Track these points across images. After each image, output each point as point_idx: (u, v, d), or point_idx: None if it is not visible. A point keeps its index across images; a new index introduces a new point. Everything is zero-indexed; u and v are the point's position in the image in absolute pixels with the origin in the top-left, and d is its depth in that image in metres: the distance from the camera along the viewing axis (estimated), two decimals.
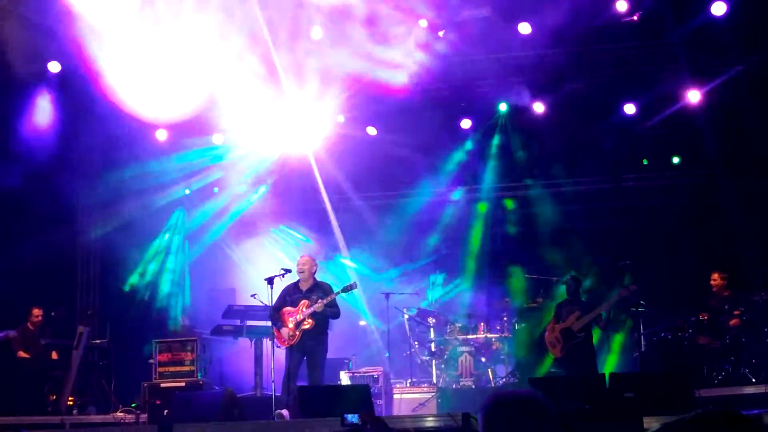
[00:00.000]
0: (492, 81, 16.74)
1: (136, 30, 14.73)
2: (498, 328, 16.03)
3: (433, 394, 14.31)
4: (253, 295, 14.61)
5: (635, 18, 14.73)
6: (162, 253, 17.99)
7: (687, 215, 16.84)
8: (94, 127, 16.60)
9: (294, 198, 18.23)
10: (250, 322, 16.09)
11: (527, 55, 16.08)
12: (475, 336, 15.80)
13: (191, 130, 16.94)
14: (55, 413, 14.73)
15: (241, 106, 16.26)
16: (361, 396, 12.11)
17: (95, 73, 14.72)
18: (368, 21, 14.99)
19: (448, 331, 15.99)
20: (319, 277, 13.88)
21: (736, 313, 14.09)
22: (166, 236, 17.99)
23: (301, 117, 16.72)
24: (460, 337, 15.72)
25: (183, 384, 14.64)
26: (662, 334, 14.75)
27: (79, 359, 15.62)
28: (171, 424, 11.56)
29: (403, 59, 15.46)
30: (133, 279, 17.52)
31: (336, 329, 14.40)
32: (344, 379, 15.15)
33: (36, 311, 15.77)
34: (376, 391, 14.43)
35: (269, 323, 13.84)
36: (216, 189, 17.97)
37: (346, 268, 17.74)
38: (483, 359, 15.49)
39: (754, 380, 13.39)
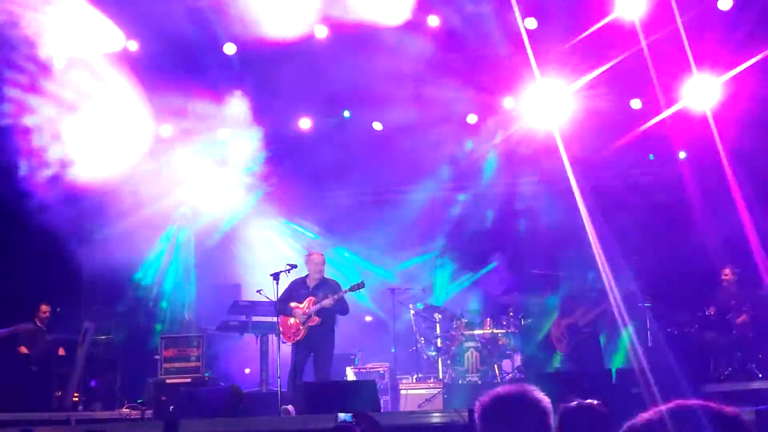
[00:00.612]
0: (496, 76, 16.48)
1: None
2: (504, 323, 15.95)
3: (439, 389, 14.29)
4: (258, 291, 14.55)
5: None
6: (168, 248, 17.96)
7: (693, 210, 16.76)
8: None
9: (298, 192, 18.11)
10: (255, 318, 16.07)
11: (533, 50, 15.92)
12: (481, 331, 15.74)
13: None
14: (61, 409, 14.73)
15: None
16: (367, 392, 12.26)
17: None
18: None
19: (454, 326, 15.96)
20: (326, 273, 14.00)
21: (743, 308, 14.09)
22: (172, 231, 17.96)
23: None
24: (467, 333, 15.66)
25: (189, 380, 14.64)
26: (668, 330, 14.74)
27: (84, 355, 15.60)
28: (177, 420, 11.58)
29: None
30: (139, 274, 17.46)
31: (341, 325, 14.36)
32: (350, 374, 15.24)
33: (44, 307, 15.84)
34: (382, 386, 14.47)
35: (275, 319, 13.94)
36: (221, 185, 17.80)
37: (352, 262, 17.76)
38: (489, 355, 15.42)
39: (760, 375, 13.41)
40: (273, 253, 17.21)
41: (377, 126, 17.21)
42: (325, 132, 17.43)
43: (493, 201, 18.36)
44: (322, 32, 15.43)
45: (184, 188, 17.42)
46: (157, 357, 15.22)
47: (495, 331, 15.82)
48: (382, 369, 15.30)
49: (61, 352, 15.83)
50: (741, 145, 15.65)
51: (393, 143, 16.64)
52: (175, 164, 17.06)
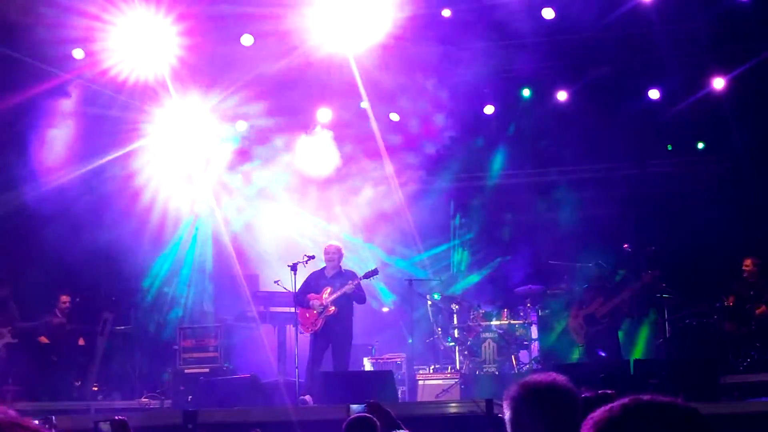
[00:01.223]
0: (515, 67, 16.62)
1: None
2: (521, 314, 15.89)
3: (456, 380, 14.20)
4: (276, 282, 14.49)
5: None
6: (186, 238, 17.97)
7: (711, 201, 16.74)
8: None
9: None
10: (273, 309, 16.02)
11: (551, 41, 15.96)
12: (498, 322, 15.68)
13: None
14: (80, 399, 14.79)
15: None
16: (384, 382, 12.36)
17: None
18: None
19: (471, 317, 15.88)
20: (343, 263, 14.02)
21: (763, 299, 13.96)
22: (191, 222, 17.98)
23: None
24: (484, 324, 15.60)
25: (207, 370, 14.69)
26: (687, 321, 14.69)
27: (103, 345, 15.79)
28: (195, 409, 11.64)
29: None
30: (157, 266, 17.51)
31: (359, 316, 14.36)
32: (367, 365, 15.23)
33: (64, 298, 15.86)
34: (399, 377, 14.43)
35: (293, 309, 13.93)
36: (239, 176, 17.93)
37: (369, 252, 17.61)
38: (507, 346, 15.38)
39: None
40: (291, 244, 17.11)
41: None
42: None
43: (510, 192, 18.36)
44: None
45: (203, 180, 17.51)
46: (176, 347, 15.25)
47: (512, 321, 15.75)
48: (399, 359, 15.26)
49: (81, 342, 15.87)
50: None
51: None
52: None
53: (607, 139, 17.08)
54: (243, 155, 17.72)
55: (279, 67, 15.74)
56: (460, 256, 18.16)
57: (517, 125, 17.58)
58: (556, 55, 16.26)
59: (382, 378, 12.74)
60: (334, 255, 13.85)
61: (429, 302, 16.32)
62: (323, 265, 14.03)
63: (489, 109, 17.54)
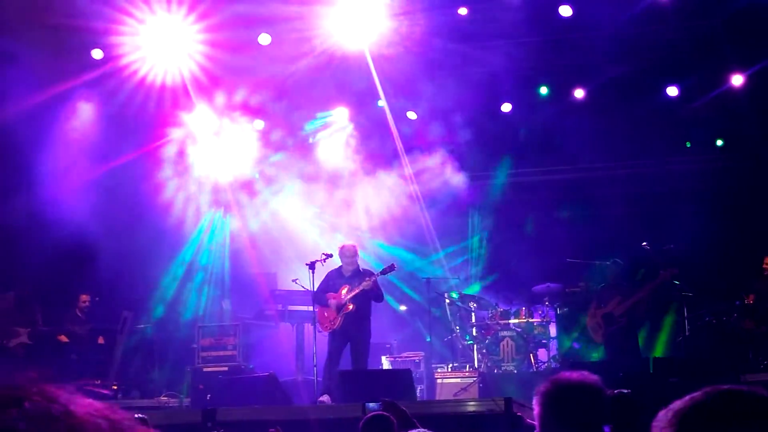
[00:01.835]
0: (532, 65, 16.64)
1: None
2: (540, 312, 15.91)
3: (474, 378, 14.11)
4: (294, 280, 14.61)
5: None
6: (205, 237, 18.06)
7: (731, 198, 16.68)
8: None
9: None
10: (292, 307, 16.06)
11: (568, 39, 15.95)
12: (517, 321, 15.67)
13: None
14: (100, 397, 14.72)
15: None
16: (403, 380, 12.32)
17: None
18: None
19: (489, 315, 15.93)
20: (360, 262, 14.00)
21: None
22: (210, 221, 18.08)
23: None
24: (502, 322, 15.60)
25: (226, 368, 14.70)
26: (707, 319, 14.64)
27: (123, 344, 15.79)
28: (214, 408, 11.65)
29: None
30: (177, 264, 17.59)
31: (377, 315, 14.33)
32: (385, 363, 15.18)
33: (84, 297, 15.88)
34: (417, 375, 14.37)
35: (311, 308, 13.89)
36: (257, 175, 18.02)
37: (386, 251, 17.57)
38: (525, 344, 15.37)
39: None
40: (309, 242, 17.22)
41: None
42: None
43: (527, 190, 18.38)
44: None
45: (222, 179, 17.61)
46: (195, 346, 15.27)
47: (530, 320, 15.75)
48: (417, 358, 15.21)
49: (101, 340, 15.83)
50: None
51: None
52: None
53: (625, 136, 17.06)
54: (262, 154, 17.73)
55: (297, 66, 15.82)
56: (478, 255, 18.15)
57: (535, 123, 17.54)
58: (573, 52, 16.20)
59: (401, 376, 12.72)
60: (352, 255, 13.79)
61: (447, 301, 16.28)
62: (341, 264, 13.99)
63: (506, 107, 17.53)
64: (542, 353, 15.80)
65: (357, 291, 13.33)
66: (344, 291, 13.47)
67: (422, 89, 16.38)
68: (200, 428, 11.12)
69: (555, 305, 16.15)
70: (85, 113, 16.32)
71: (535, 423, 4.38)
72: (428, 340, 16.04)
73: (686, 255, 14.95)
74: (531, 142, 17.78)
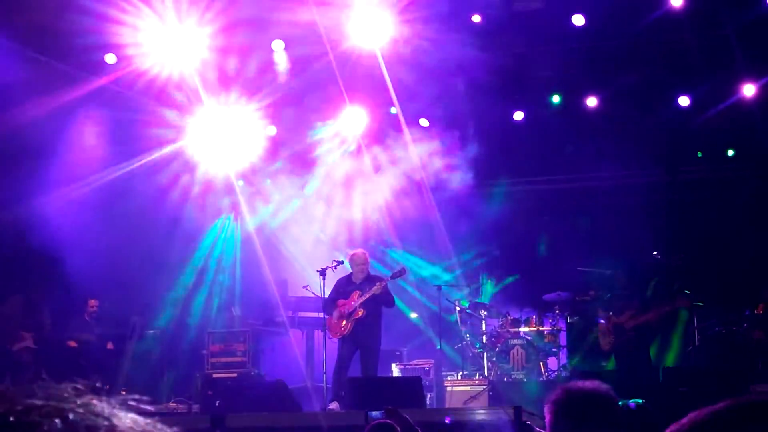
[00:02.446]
0: (545, 73, 16.62)
1: None
2: (550, 321, 15.91)
3: (485, 386, 14.11)
4: (305, 287, 14.66)
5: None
6: (216, 242, 18.15)
7: (742, 208, 16.64)
8: None
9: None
10: (302, 314, 16.13)
11: (581, 47, 15.89)
12: (527, 329, 15.68)
13: None
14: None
15: None
16: (412, 388, 12.29)
17: None
18: None
19: (500, 323, 15.94)
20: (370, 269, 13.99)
21: None
22: (221, 226, 18.20)
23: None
24: (512, 330, 15.62)
25: (235, 375, 14.78)
26: (716, 329, 14.64)
27: (132, 349, 15.84)
28: (223, 414, 11.68)
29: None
30: (188, 270, 17.64)
31: (387, 322, 14.28)
32: (395, 371, 15.13)
33: (92, 302, 15.90)
34: (427, 383, 14.29)
35: (321, 315, 13.91)
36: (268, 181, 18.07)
37: (398, 258, 17.61)
38: (535, 352, 15.36)
39: None
40: (320, 248, 17.35)
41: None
42: None
43: (539, 198, 18.42)
44: None
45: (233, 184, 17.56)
46: (204, 352, 15.31)
47: (541, 329, 15.77)
48: (427, 366, 15.16)
49: (110, 346, 15.89)
50: None
51: None
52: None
53: (637, 145, 17.05)
54: (273, 159, 17.79)
55: (310, 71, 15.84)
56: (489, 263, 18.05)
57: (547, 131, 17.46)
58: (586, 61, 16.18)
59: (410, 384, 12.70)
60: (363, 262, 13.74)
61: (458, 309, 16.29)
62: (351, 271, 13.96)
63: (518, 116, 17.50)
64: (552, 362, 15.80)
65: (368, 296, 13.28)
66: (355, 296, 13.44)
67: (435, 96, 16.36)
68: None
69: (565, 314, 16.17)
70: (91, 119, 16.30)
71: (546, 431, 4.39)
72: (439, 347, 16.01)
73: (696, 264, 15.02)
74: (542, 151, 17.78)
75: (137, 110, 16.13)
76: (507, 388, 14.43)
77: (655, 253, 14.93)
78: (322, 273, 13.85)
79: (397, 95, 16.37)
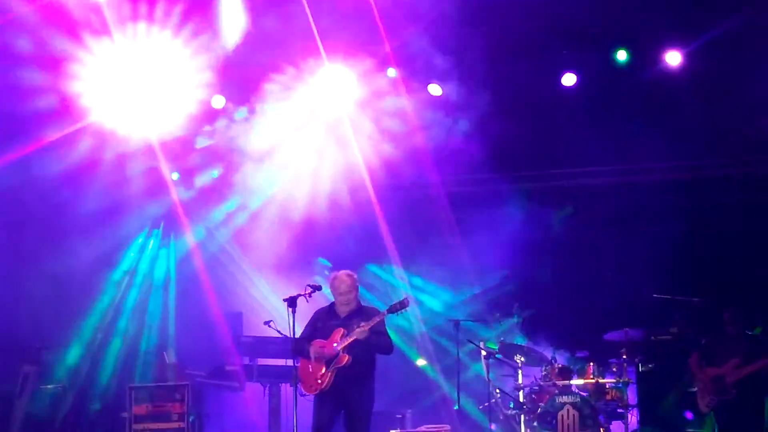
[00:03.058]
0: (606, 20, 16.19)
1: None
2: (614, 370, 15.50)
3: None
4: (267, 323, 13.85)
5: None
6: (141, 260, 18.18)
7: None
8: None
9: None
10: (263, 361, 16.06)
11: None
12: (582, 381, 15.39)
13: None
14: None
15: None
16: None
17: None
18: None
19: (543, 373, 15.64)
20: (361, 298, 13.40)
21: None
22: (149, 236, 18.28)
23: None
24: (561, 383, 15.27)
25: None
26: None
27: (23, 410, 15.66)
28: None
29: None
30: (101, 300, 17.56)
31: (384, 371, 13.61)
32: None
33: None
34: None
35: (290, 362, 13.15)
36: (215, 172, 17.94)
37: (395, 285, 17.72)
38: (593, 414, 14.94)
39: None
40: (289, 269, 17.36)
41: None
42: None
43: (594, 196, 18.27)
44: None
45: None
46: (125, 415, 15.05)
47: (601, 380, 15.39)
48: None
49: None
50: None
51: None
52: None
53: (737, 122, 16.74)
54: (223, 137, 17.62)
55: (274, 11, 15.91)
56: (526, 288, 17.73)
57: (607, 102, 17.07)
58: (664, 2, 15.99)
59: None
60: (349, 289, 12.92)
61: (483, 353, 15.84)
62: (332, 299, 13.15)
63: (569, 80, 17.10)
64: (618, 427, 15.42)
65: (356, 335, 12.49)
66: (338, 336, 12.68)
67: (448, 46, 16.37)
68: None
69: (636, 359, 15.76)
70: None
71: None
72: (457, 407, 15.71)
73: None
74: (601, 130, 17.18)
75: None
76: None
77: None
78: (292, 303, 12.77)
79: (394, 51, 16.37)
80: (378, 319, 12.61)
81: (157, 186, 17.44)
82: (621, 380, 15.26)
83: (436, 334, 17.38)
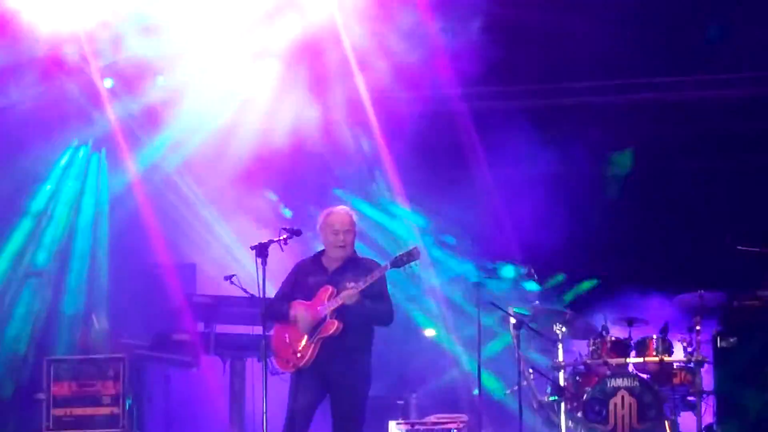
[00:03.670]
0: None
1: None
2: (685, 344, 15.14)
3: None
4: (229, 278, 13.67)
5: None
6: (57, 192, 18.20)
7: None
8: None
9: None
10: (222, 328, 16.01)
11: None
12: (642, 359, 15.11)
13: None
14: None
15: None
16: None
17: None
18: None
19: (590, 348, 15.35)
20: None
21: None
22: (71, 158, 18.29)
23: None
24: (614, 361, 15.07)
25: None
26: None
27: None
28: None
29: None
30: (7, 247, 17.69)
31: (383, 343, 13.16)
32: None
33: None
34: None
35: (260, 329, 12.61)
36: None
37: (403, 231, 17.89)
38: (656, 402, 14.70)
39: None
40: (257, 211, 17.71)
41: None
42: None
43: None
44: None
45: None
46: (41, 396, 14.97)
47: (667, 359, 15.05)
48: (455, 426, 14.60)
49: None
50: None
51: None
52: None
53: None
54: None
55: None
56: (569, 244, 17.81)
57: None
58: None
59: None
60: (348, 224, 12.52)
61: (512, 321, 15.24)
62: (320, 247, 12.64)
63: None
64: (688, 419, 15.26)
65: (348, 297, 12.01)
66: (326, 296, 12.17)
67: None
68: None
69: (714, 332, 15.31)
70: None
71: None
72: (477, 392, 15.35)
73: None
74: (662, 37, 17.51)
75: None
76: None
77: None
78: (262, 252, 12.30)
79: None
80: (377, 275, 12.10)
81: (87, 97, 17.35)
82: (693, 359, 15.08)
83: (453, 293, 17.44)
